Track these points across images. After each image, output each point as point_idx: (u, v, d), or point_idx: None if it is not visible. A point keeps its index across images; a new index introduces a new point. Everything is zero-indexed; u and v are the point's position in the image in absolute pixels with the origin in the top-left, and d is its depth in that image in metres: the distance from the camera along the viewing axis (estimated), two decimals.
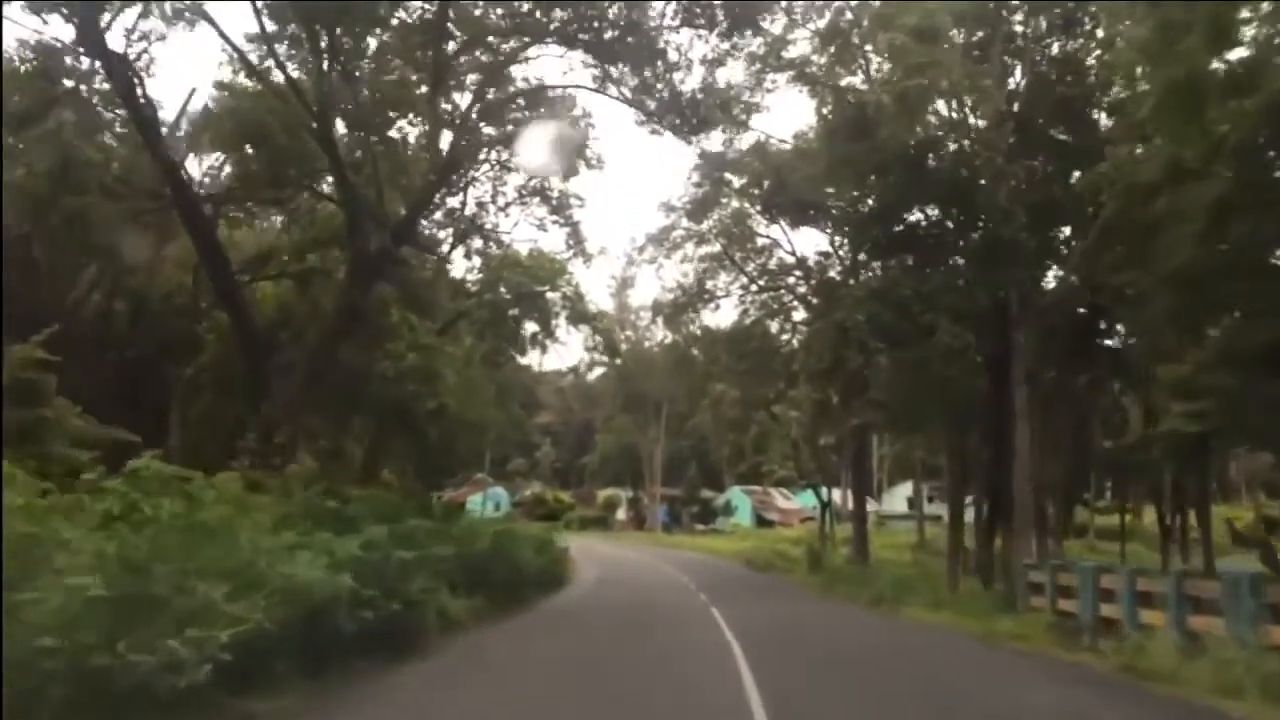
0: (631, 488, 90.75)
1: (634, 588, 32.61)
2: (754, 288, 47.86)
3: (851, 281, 43.36)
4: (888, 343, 27.83)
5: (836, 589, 33.22)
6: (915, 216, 30.60)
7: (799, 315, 48.66)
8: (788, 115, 68.79)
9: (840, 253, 42.92)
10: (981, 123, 30.14)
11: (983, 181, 28.17)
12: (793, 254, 47.19)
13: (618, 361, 32.27)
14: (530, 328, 32.94)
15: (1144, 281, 22.49)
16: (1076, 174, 28.07)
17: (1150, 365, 30.52)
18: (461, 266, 37.14)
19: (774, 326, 48.35)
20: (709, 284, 48.00)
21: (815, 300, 45.71)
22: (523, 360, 34.49)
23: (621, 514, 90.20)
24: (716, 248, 47.31)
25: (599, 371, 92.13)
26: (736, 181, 45.54)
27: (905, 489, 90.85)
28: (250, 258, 35.06)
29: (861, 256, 35.82)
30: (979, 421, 35.59)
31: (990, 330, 29.38)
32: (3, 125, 26.32)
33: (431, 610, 16.66)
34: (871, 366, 33.36)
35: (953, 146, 30.19)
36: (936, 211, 30.43)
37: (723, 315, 53.75)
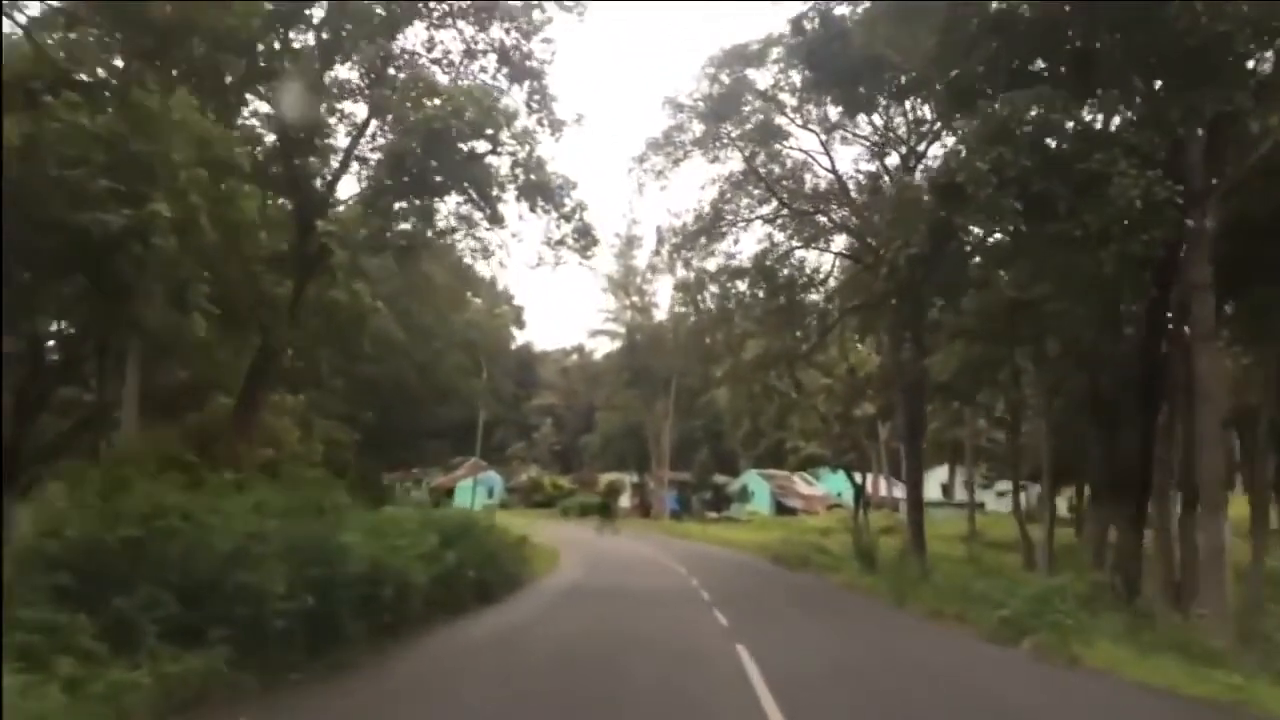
0: (636, 471, 79.59)
1: (617, 599, 21.88)
2: (784, 211, 36.85)
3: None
4: (1025, 206, 16.56)
5: (916, 600, 22.20)
6: None
7: (839, 244, 37.68)
8: None
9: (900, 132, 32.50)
10: None
11: None
12: (832, 171, 36.21)
13: (592, 256, 19.73)
14: (454, 204, 21.76)
15: None
16: None
17: None
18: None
19: (809, 258, 37.36)
20: (727, 209, 37.02)
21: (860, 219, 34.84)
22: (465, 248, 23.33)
23: (626, 500, 79.03)
24: (736, 164, 36.33)
25: (602, 341, 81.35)
26: (763, 80, 34.75)
27: (939, 474, 79.58)
28: None
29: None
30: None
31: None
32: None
33: None
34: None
35: None
36: None
37: (744, 249, 42.17)
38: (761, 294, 37.29)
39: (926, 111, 31.70)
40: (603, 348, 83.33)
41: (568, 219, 21.33)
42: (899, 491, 73.87)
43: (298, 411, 33.13)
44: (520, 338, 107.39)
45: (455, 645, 13.61)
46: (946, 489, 78.88)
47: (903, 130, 34.30)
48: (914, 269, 20.41)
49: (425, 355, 46.89)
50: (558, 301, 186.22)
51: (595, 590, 23.66)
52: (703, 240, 37.22)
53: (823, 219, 36.73)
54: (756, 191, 37.25)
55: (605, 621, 17.16)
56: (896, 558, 33.29)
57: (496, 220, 21.65)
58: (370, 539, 12.52)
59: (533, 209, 21.11)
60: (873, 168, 36.19)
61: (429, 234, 23.11)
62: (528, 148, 20.50)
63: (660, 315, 73.51)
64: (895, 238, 23.51)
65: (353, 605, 10.72)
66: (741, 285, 36.09)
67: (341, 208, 21.58)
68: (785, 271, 36.56)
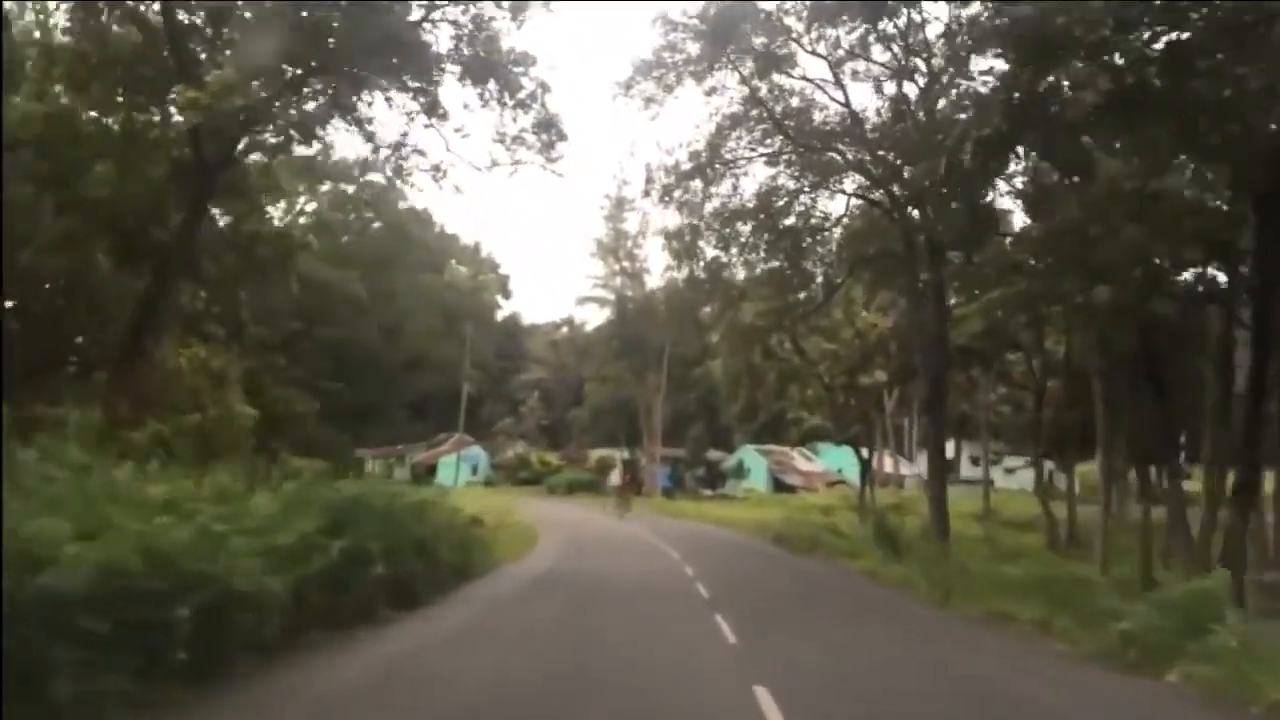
0: (627, 447, 74.64)
1: (589, 599, 17.03)
2: (790, 149, 31.85)
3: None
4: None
5: (966, 597, 17.26)
6: None
7: (850, 186, 32.72)
8: None
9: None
10: None
11: None
12: (844, 104, 31.22)
13: (559, 159, 14.51)
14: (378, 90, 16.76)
15: None
16: None
17: None
18: None
19: (818, 202, 32.44)
20: (726, 146, 32.00)
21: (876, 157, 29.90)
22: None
23: (615, 477, 74.09)
24: (736, 92, 31.30)
25: (591, 311, 76.26)
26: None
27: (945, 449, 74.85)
28: None
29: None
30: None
31: None
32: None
33: None
34: None
35: None
36: None
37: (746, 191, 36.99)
38: (764, 241, 32.44)
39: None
40: (594, 319, 78.18)
41: (524, 107, 16.33)
42: (905, 468, 69.32)
43: (227, 369, 28.11)
44: (507, 309, 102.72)
45: (294, 698, 8.45)
46: (951, 464, 74.16)
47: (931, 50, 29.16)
48: (987, 156, 15.40)
49: (391, 317, 41.92)
50: (548, 273, 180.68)
51: (565, 584, 18.79)
52: (698, 183, 32.23)
53: (833, 156, 31.64)
54: (759, 128, 32.18)
55: (559, 640, 12.16)
56: (917, 539, 28.57)
57: (434, 111, 16.60)
58: (172, 530, 7.53)
59: (482, 98, 16.07)
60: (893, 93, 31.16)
61: (346, 120, 17.97)
62: (470, 10, 15.39)
63: (652, 281, 68.54)
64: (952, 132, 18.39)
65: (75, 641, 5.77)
66: (743, 228, 31.05)
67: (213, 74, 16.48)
68: (790, 220, 31.64)
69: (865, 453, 48.10)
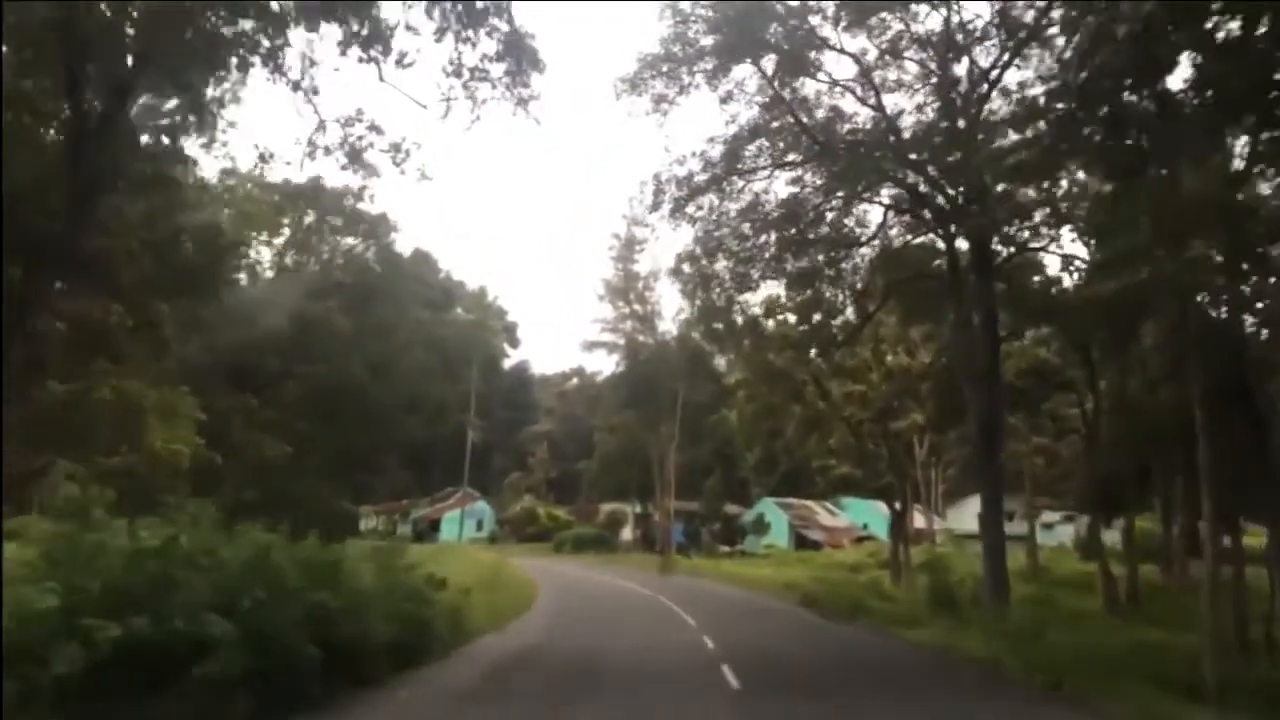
0: (639, 501, 69.67)
1: (577, 683, 12.52)
2: (815, 152, 27.73)
3: None
4: None
5: (1089, 683, 12.64)
6: None
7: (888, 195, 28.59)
8: None
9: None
10: None
11: None
12: (877, 108, 27.26)
13: (533, 99, 10.13)
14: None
15: None
16: None
17: None
18: None
19: (852, 216, 28.32)
20: (747, 152, 27.98)
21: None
22: None
23: (627, 532, 69.14)
24: (754, 89, 27.39)
25: (600, 358, 71.90)
26: None
27: (975, 504, 69.65)
28: None
29: None
30: None
31: None
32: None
33: None
34: None
35: None
36: None
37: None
38: (791, 253, 28.32)
39: None
40: (602, 366, 73.73)
41: (481, 25, 12.15)
42: (936, 523, 64.21)
43: (174, 403, 23.92)
44: (516, 358, 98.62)
45: None
46: (983, 519, 68.94)
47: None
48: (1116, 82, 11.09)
49: (381, 354, 37.66)
50: (559, 325, 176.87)
51: (548, 667, 14.22)
52: (712, 198, 28.12)
53: (870, 163, 27.43)
54: (782, 139, 28.09)
55: None
56: (972, 603, 23.89)
57: (377, 40, 12.46)
58: None
59: (431, 16, 11.90)
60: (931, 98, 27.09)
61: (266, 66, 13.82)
62: None
63: (665, 325, 64.22)
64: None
65: None
66: (766, 239, 26.91)
67: None
68: (823, 229, 27.50)
69: (897, 505, 43.25)
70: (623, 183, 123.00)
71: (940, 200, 26.95)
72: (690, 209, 28.34)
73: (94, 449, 18.83)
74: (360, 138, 16.64)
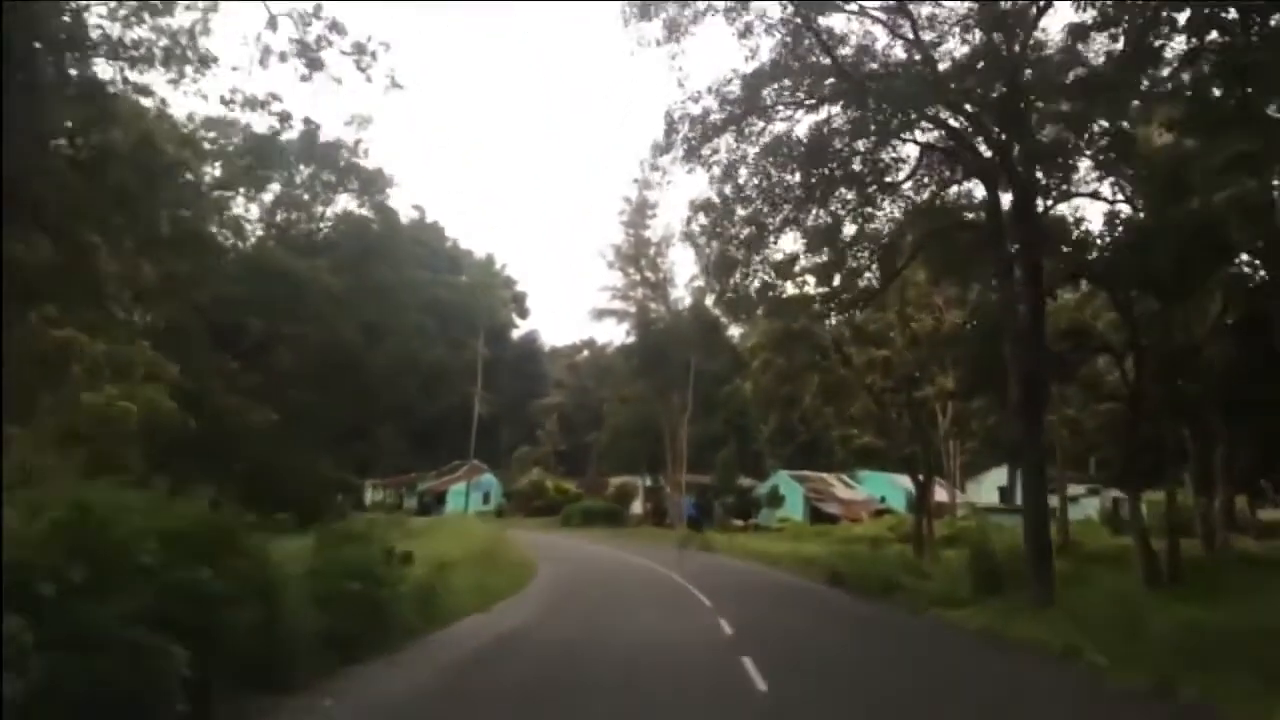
0: (649, 474, 67.10)
1: (563, 681, 9.75)
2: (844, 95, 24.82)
3: None
4: None
5: (1216, 679, 9.92)
6: None
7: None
8: None
9: None
10: None
11: None
12: (913, 39, 24.34)
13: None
14: None
15: None
16: None
17: None
18: None
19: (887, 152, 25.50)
20: (767, 91, 25.15)
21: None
22: None
23: (637, 506, 66.59)
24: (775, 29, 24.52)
25: (610, 328, 69.36)
26: None
27: (996, 476, 67.05)
28: None
29: None
30: None
31: None
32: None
33: None
34: None
35: None
36: None
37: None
38: (814, 204, 25.62)
39: None
40: (612, 335, 70.96)
41: None
42: (957, 496, 61.41)
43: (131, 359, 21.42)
44: (525, 330, 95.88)
45: None
46: (1005, 492, 66.25)
47: None
48: None
49: (373, 313, 35.04)
50: (571, 298, 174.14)
51: (532, 659, 11.69)
52: (729, 139, 25.35)
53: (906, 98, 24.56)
54: (808, 77, 25.20)
55: None
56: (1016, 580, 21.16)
57: None
58: None
59: None
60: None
61: None
62: None
63: (677, 293, 61.52)
64: None
65: None
66: (790, 178, 24.21)
67: None
68: (853, 167, 24.74)
69: (920, 477, 40.60)
70: (634, 148, 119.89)
71: (981, 144, 24.25)
72: (705, 151, 25.64)
73: (25, 407, 16.35)
74: (320, 38, 14.02)
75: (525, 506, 71.32)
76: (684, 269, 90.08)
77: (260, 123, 25.04)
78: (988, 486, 67.72)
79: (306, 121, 28.14)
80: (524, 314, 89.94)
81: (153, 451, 24.75)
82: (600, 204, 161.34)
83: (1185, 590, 29.57)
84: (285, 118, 20.78)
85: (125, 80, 17.44)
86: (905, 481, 63.85)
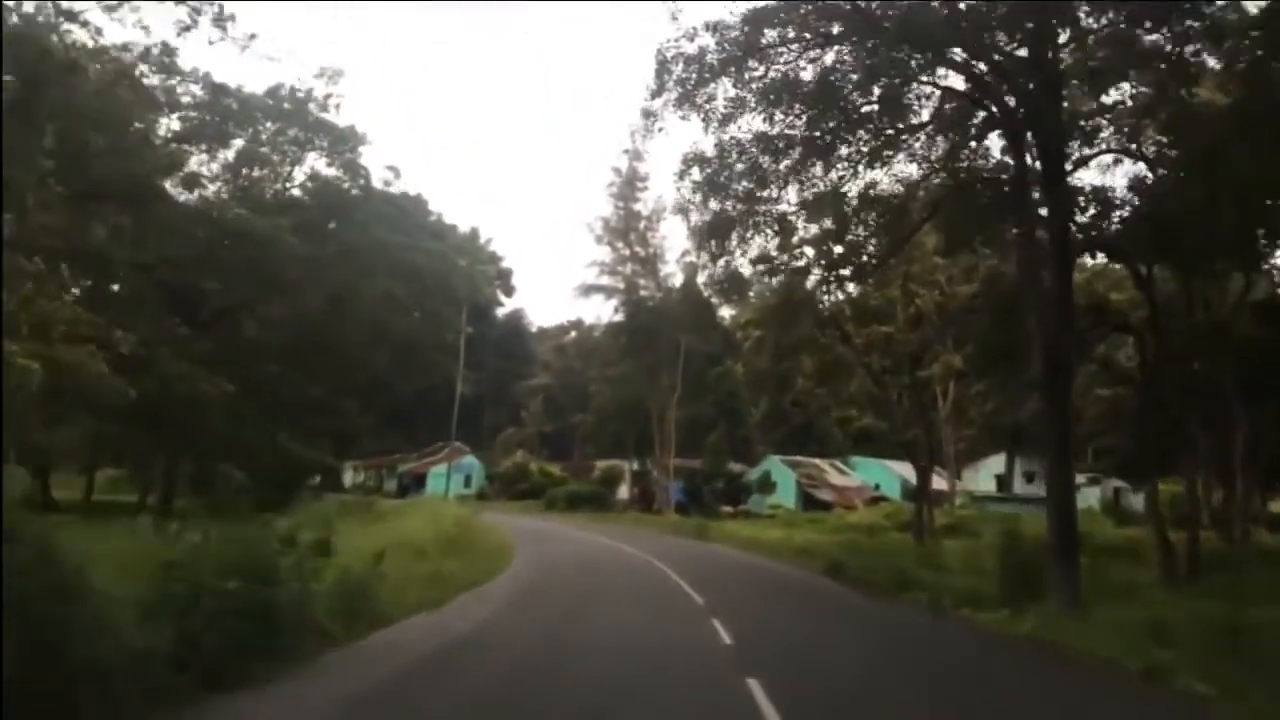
0: (636, 457, 64.47)
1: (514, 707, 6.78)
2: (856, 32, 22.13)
3: None
4: None
5: None
6: None
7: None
8: None
9: None
10: None
11: None
12: None
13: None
14: None
15: None
16: None
17: None
18: None
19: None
20: (770, 33, 22.41)
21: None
22: None
23: (624, 490, 63.94)
24: None
25: (598, 305, 66.64)
26: None
27: (993, 464, 64.79)
28: None
29: None
30: None
31: None
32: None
33: None
34: None
35: None
36: None
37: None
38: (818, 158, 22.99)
39: None
40: (600, 314, 68.00)
41: None
42: (945, 484, 58.97)
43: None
44: (511, 308, 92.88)
45: None
46: (1003, 480, 63.97)
47: None
48: None
49: (340, 278, 32.18)
50: (560, 279, 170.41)
51: (457, 693, 8.76)
52: (727, 84, 22.60)
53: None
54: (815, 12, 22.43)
55: None
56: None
57: None
58: None
59: None
60: None
61: None
62: None
63: (668, 269, 58.77)
64: None
65: None
66: (797, 121, 21.56)
67: None
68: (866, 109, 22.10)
69: (922, 463, 38.09)
70: (626, 120, 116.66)
71: (1006, 93, 21.60)
72: (701, 98, 22.91)
73: None
74: None
75: (508, 490, 68.68)
76: (675, 244, 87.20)
77: (220, 65, 22.45)
78: (985, 475, 65.49)
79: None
80: (510, 292, 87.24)
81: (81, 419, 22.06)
82: (591, 188, 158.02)
83: (1205, 586, 27.11)
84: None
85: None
86: (899, 468, 61.62)
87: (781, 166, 22.81)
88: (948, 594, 17.05)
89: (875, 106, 21.59)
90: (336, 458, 55.34)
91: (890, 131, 22.48)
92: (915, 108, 22.65)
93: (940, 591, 17.48)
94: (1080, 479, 55.91)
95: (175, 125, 33.66)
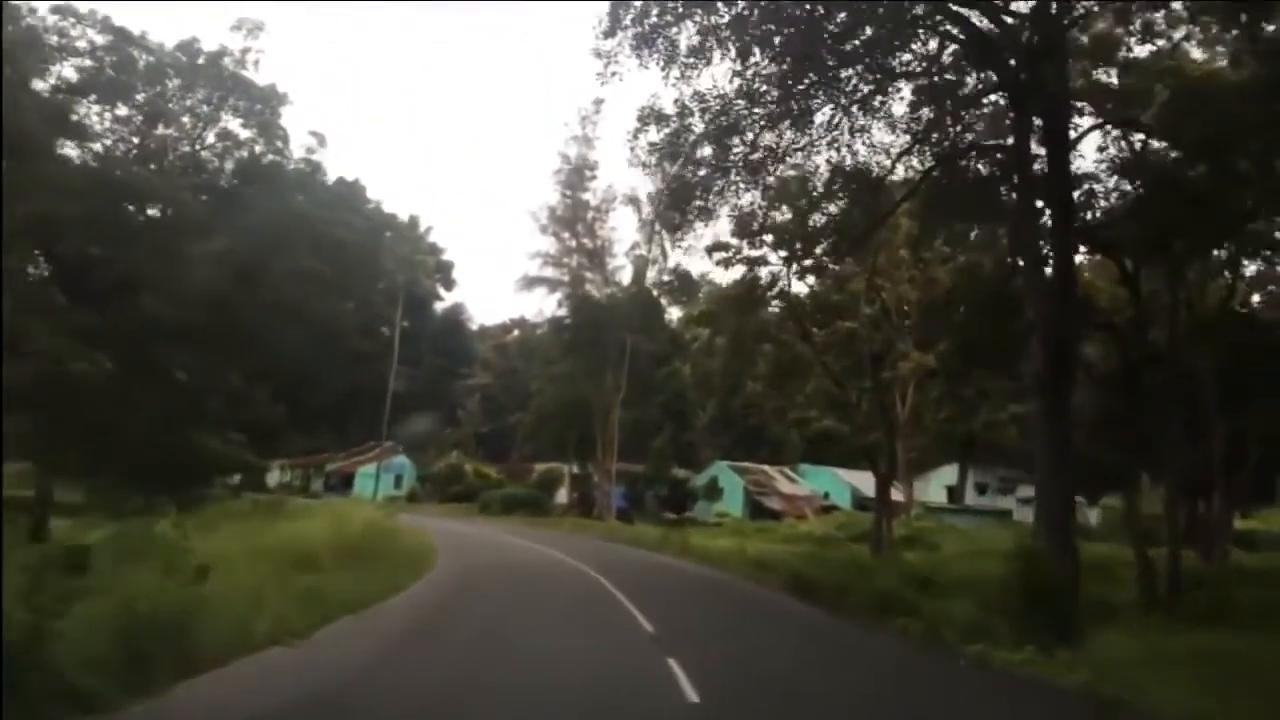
0: (577, 461, 60.88)
1: None
2: None
3: None
4: None
5: None
6: None
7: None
8: None
9: None
10: None
11: None
12: None
13: None
14: None
15: None
16: None
17: None
18: None
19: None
20: None
21: None
22: None
23: (563, 494, 60.30)
24: None
25: (541, 298, 63.16)
26: None
27: (944, 474, 62.42)
28: None
29: None
30: None
31: None
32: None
33: None
34: None
35: None
36: None
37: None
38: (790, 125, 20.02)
39: None
40: (547, 311, 64.02)
41: None
42: (900, 495, 56.37)
43: None
44: (451, 303, 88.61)
45: None
46: (954, 491, 61.65)
47: None
48: None
49: (249, 251, 28.28)
50: (502, 278, 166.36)
51: None
52: (691, 29, 19.45)
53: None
54: None
55: None
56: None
57: None
58: None
59: None
60: None
61: None
62: None
63: (616, 262, 55.44)
64: None
65: None
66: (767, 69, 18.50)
67: None
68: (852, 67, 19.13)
69: (882, 470, 35.12)
70: (576, 106, 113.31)
71: (1009, 55, 18.86)
72: (661, 43, 19.71)
73: None
74: None
75: (441, 491, 64.70)
76: (625, 236, 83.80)
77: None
78: (935, 485, 63.17)
79: None
80: (450, 285, 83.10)
81: None
82: (538, 187, 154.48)
83: (1188, 607, 24.49)
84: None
85: None
86: (850, 477, 58.97)
87: (754, 119, 19.66)
88: (949, 625, 13.88)
89: (860, 49, 18.45)
90: (260, 455, 50.98)
91: (877, 75, 19.39)
92: (905, 59, 19.66)
93: (935, 619, 14.33)
94: (1025, 491, 53.91)
95: (70, 73, 29.85)
